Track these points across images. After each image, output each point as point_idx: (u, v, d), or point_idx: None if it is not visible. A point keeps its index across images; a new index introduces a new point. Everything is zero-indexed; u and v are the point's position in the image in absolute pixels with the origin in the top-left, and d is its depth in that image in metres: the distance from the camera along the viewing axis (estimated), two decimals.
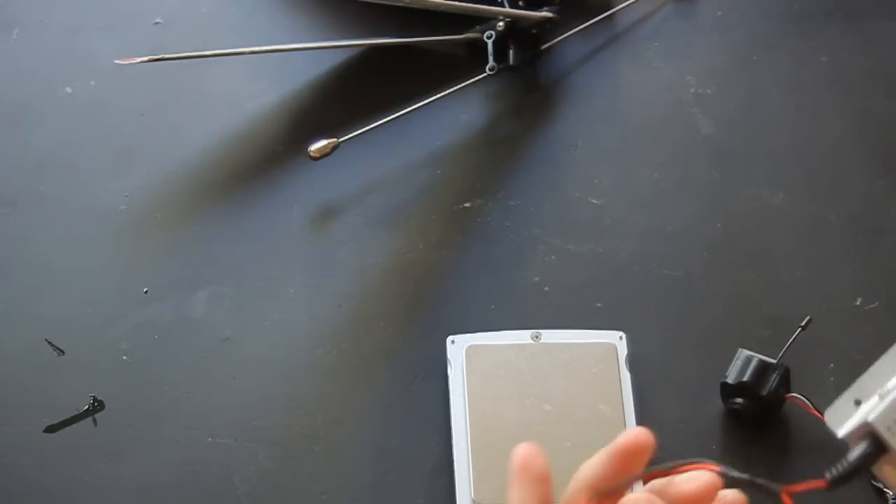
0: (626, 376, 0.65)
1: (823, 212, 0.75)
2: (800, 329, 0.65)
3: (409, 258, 0.72)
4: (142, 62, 0.71)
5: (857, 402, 0.42)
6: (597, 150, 0.78)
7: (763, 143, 0.78)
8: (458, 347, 0.66)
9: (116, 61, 0.73)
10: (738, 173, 0.77)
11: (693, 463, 0.42)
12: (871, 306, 0.70)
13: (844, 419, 0.42)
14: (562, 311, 0.70)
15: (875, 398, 0.41)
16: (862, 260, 0.73)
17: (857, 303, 0.70)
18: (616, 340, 0.66)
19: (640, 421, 0.64)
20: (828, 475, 0.40)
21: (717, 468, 0.41)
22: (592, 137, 0.78)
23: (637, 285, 0.72)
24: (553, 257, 0.72)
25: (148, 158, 0.76)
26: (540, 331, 0.66)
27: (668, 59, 0.82)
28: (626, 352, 0.66)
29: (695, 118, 0.79)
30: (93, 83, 0.79)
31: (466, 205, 0.75)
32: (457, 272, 0.72)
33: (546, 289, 0.71)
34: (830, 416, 0.43)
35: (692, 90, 0.81)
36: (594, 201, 0.75)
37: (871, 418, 0.40)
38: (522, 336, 0.66)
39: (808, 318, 0.65)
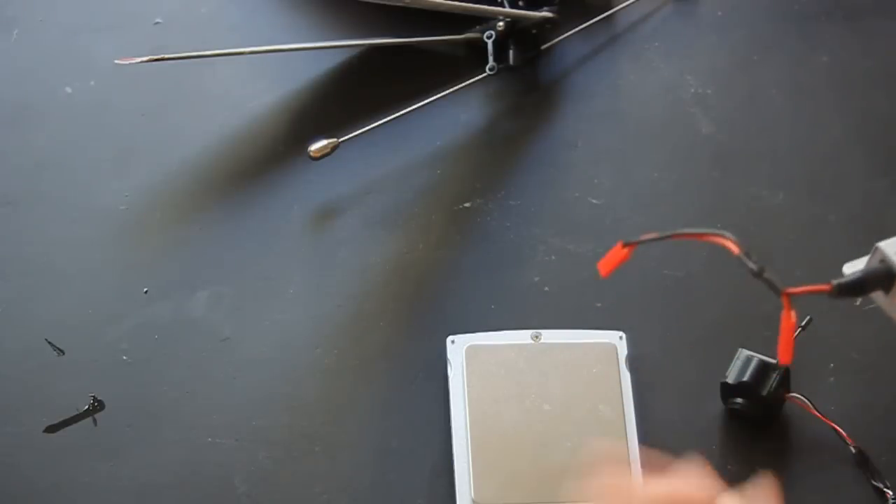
0: (626, 376, 0.65)
1: (823, 212, 0.75)
2: (800, 329, 0.65)
3: (409, 258, 0.72)
4: (142, 62, 0.71)
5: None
6: (597, 150, 0.78)
7: (763, 143, 0.78)
8: (458, 347, 0.66)
9: (116, 61, 0.73)
10: (738, 173, 0.77)
11: None
12: (871, 306, 0.70)
13: (861, 262, 0.42)
14: (562, 311, 0.70)
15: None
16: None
17: (857, 303, 0.70)
18: (616, 340, 0.66)
19: (641, 421, 0.64)
20: (834, 282, 0.39)
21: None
22: (592, 137, 0.78)
23: (637, 285, 0.72)
24: (553, 257, 0.72)
25: (148, 158, 0.76)
26: (540, 331, 0.66)
27: (668, 59, 0.82)
28: (626, 352, 0.66)
29: (695, 118, 0.79)
30: (93, 83, 0.79)
31: (466, 205, 0.75)
32: (457, 272, 0.72)
33: (546, 289, 0.71)
34: (847, 267, 0.43)
35: (692, 90, 0.81)
36: (594, 201, 0.75)
37: (881, 244, 0.41)
38: (522, 336, 0.66)
39: (808, 318, 0.65)
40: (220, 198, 0.75)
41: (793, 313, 0.39)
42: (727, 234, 0.40)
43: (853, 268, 0.44)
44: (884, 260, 0.41)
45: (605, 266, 0.43)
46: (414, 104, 0.76)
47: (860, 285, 0.40)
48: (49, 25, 0.81)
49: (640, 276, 0.72)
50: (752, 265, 0.39)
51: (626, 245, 0.42)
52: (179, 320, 0.69)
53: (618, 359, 0.65)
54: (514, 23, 0.78)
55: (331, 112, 0.78)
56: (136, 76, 0.77)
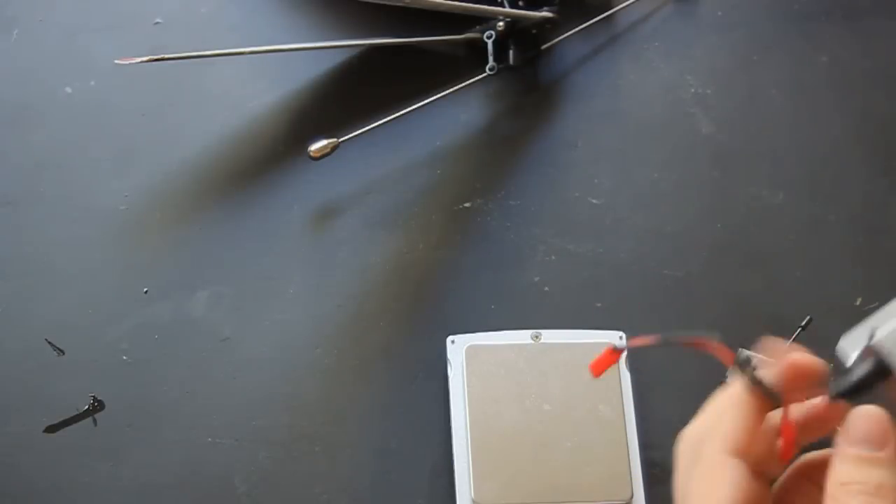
0: (626, 376, 0.65)
1: (823, 212, 0.75)
2: (800, 329, 0.65)
3: (409, 258, 0.72)
4: (142, 62, 0.71)
5: (874, 331, 0.42)
6: (597, 150, 0.78)
7: (763, 143, 0.78)
8: (458, 347, 0.66)
9: (116, 61, 0.73)
10: (738, 173, 0.77)
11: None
12: (871, 306, 0.70)
13: (857, 345, 0.42)
14: (562, 311, 0.70)
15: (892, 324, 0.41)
16: (862, 260, 0.73)
17: (857, 303, 0.70)
18: (616, 340, 0.66)
19: (640, 421, 0.64)
20: (830, 391, 0.39)
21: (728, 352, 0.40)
22: (592, 137, 0.78)
23: (637, 285, 0.72)
24: (553, 257, 0.72)
25: (148, 158, 0.76)
26: (540, 331, 0.66)
27: (668, 59, 0.82)
28: (625, 352, 0.66)
29: (695, 118, 0.79)
30: (93, 83, 0.79)
31: (466, 205, 0.75)
32: (457, 272, 0.72)
33: (546, 289, 0.71)
34: (844, 343, 0.42)
35: (692, 90, 0.81)
36: (594, 201, 0.75)
37: (874, 341, 0.40)
38: (522, 336, 0.66)
39: (808, 317, 0.65)
40: (220, 198, 0.75)
41: (792, 418, 0.39)
42: (720, 343, 0.41)
43: (849, 346, 0.43)
44: (878, 355, 0.40)
45: (596, 368, 0.43)
46: (414, 104, 0.76)
47: (856, 390, 0.40)
48: (49, 25, 0.81)
49: (640, 276, 0.72)
50: (747, 376, 0.39)
51: (615, 350, 0.42)
52: (179, 320, 0.69)
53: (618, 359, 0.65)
54: (514, 23, 0.78)
55: (331, 112, 0.78)
56: (136, 76, 0.77)
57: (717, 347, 0.40)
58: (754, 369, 0.39)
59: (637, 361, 0.66)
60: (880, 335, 0.40)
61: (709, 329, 0.69)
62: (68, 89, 0.79)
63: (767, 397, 0.39)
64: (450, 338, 0.66)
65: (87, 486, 0.63)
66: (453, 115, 0.79)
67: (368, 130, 0.74)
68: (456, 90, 0.77)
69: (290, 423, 0.66)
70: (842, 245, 0.73)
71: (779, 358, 0.40)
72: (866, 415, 0.38)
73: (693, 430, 0.41)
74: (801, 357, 0.40)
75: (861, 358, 0.41)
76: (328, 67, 0.81)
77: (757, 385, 0.39)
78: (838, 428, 0.39)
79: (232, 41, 0.81)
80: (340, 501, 0.63)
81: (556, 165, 0.77)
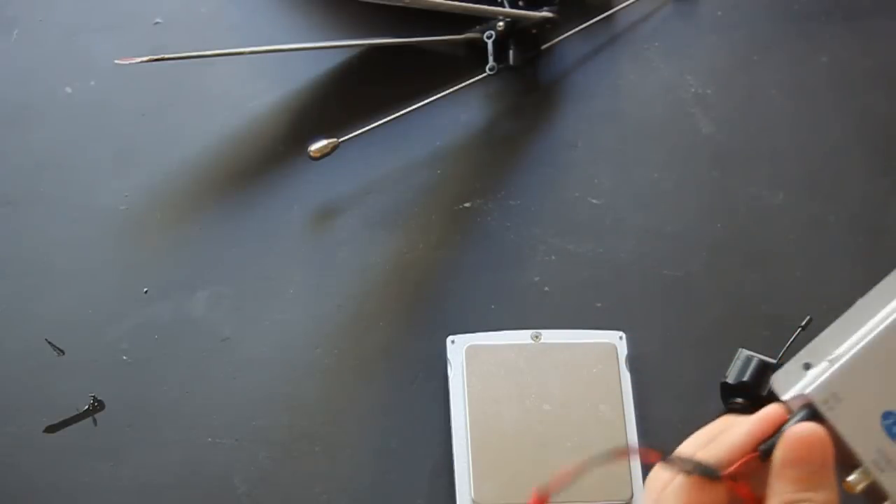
0: (626, 376, 0.65)
1: (823, 212, 0.75)
2: (800, 329, 0.65)
3: (409, 258, 0.72)
4: (142, 62, 0.71)
5: (807, 366, 0.42)
6: (597, 150, 0.78)
7: (763, 143, 0.78)
8: (458, 347, 0.66)
9: (116, 61, 0.73)
10: (738, 173, 0.77)
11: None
12: None
13: (790, 384, 0.42)
14: (562, 311, 0.70)
15: (824, 364, 0.41)
16: (862, 260, 0.73)
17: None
18: (616, 340, 0.66)
19: (641, 421, 0.64)
20: (761, 447, 0.40)
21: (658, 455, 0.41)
22: (592, 137, 0.78)
23: (637, 285, 0.72)
24: (553, 257, 0.72)
25: (148, 158, 0.76)
26: (540, 331, 0.66)
27: (668, 59, 0.82)
28: (626, 352, 0.66)
29: (695, 118, 0.79)
30: (93, 83, 0.79)
31: (466, 205, 0.75)
32: (457, 272, 0.72)
33: (546, 289, 0.71)
34: (778, 379, 0.42)
35: (692, 90, 0.81)
36: (594, 201, 0.75)
37: (808, 391, 0.40)
38: (522, 336, 0.66)
39: (808, 318, 0.65)
40: (220, 198, 0.75)
41: (745, 485, 0.40)
42: (642, 448, 0.41)
43: (784, 379, 0.43)
44: (811, 405, 0.40)
45: None
46: (414, 104, 0.76)
47: None
48: (49, 25, 0.81)
49: (640, 276, 0.72)
50: (681, 466, 0.40)
51: (540, 497, 0.43)
52: (179, 320, 0.69)
53: (618, 359, 0.65)
54: (514, 23, 0.78)
55: (331, 112, 0.78)
56: (136, 76, 0.77)
57: (641, 453, 0.41)
58: (685, 462, 0.40)
59: (637, 361, 0.66)
60: (811, 386, 0.40)
61: (708, 329, 0.69)
62: (68, 89, 0.79)
63: (708, 477, 0.39)
64: (450, 338, 0.66)
65: (87, 486, 0.63)
66: (453, 115, 0.79)
67: (368, 130, 0.74)
68: (456, 90, 0.77)
69: (290, 423, 0.66)
70: (842, 245, 0.73)
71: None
72: (802, 435, 0.38)
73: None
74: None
75: (796, 406, 0.41)
76: (328, 67, 0.81)
77: (693, 472, 0.40)
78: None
79: (232, 41, 0.81)
80: (340, 501, 0.63)
81: (556, 165, 0.77)
